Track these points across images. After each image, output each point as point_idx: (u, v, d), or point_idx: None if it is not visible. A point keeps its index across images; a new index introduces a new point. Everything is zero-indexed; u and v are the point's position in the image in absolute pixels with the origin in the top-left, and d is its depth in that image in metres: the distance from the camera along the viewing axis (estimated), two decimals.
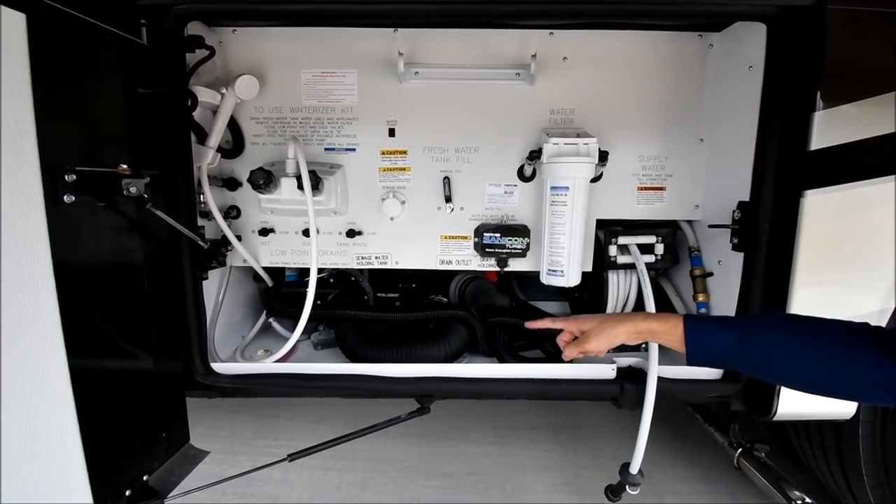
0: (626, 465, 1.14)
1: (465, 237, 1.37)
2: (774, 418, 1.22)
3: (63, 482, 0.84)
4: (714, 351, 0.86)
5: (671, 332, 0.90)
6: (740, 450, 1.46)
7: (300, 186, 1.18)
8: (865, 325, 0.79)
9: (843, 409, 1.23)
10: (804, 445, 1.44)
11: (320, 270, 1.52)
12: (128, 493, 0.99)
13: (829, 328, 0.80)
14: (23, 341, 0.75)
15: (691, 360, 0.88)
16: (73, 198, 0.83)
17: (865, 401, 0.75)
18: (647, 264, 1.34)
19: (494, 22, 1.20)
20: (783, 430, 1.51)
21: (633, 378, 1.22)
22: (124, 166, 0.90)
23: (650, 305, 1.25)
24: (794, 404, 1.20)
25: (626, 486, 1.14)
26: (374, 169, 1.33)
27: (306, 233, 1.36)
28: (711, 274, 1.32)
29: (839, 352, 0.76)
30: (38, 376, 0.78)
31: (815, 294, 1.15)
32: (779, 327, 0.82)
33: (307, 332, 1.49)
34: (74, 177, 0.83)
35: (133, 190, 0.90)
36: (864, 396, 0.77)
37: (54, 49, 0.81)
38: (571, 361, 1.13)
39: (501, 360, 1.41)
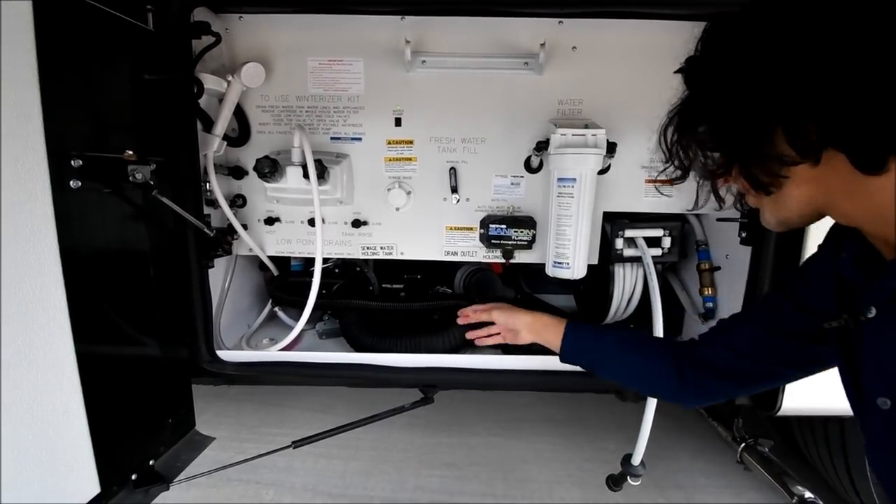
0: (628, 456, 1.14)
1: (471, 228, 1.36)
2: (779, 413, 1.22)
3: (69, 465, 0.85)
4: (577, 358, 1.03)
5: (554, 343, 1.06)
6: (744, 444, 1.45)
7: (306, 175, 1.18)
8: (666, 339, 0.97)
9: (849, 405, 1.22)
10: (808, 441, 1.44)
11: (326, 260, 1.52)
12: (134, 476, 1.01)
13: (639, 345, 0.98)
14: (30, 325, 0.76)
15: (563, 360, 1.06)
16: (80, 183, 0.83)
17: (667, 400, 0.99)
18: (653, 258, 1.32)
19: (502, 9, 1.18)
20: (787, 426, 1.50)
21: None
22: (130, 152, 0.90)
23: (656, 300, 1.24)
24: (799, 400, 1.20)
25: (628, 477, 1.15)
26: (380, 159, 1.32)
27: (312, 222, 1.35)
28: (719, 268, 1.31)
29: (645, 367, 0.94)
30: (46, 360, 0.79)
31: None
32: (610, 344, 1.00)
33: (312, 321, 1.49)
34: (81, 162, 0.83)
35: (139, 176, 0.90)
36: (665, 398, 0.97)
37: (60, 33, 0.81)
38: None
39: (506, 352, 1.41)
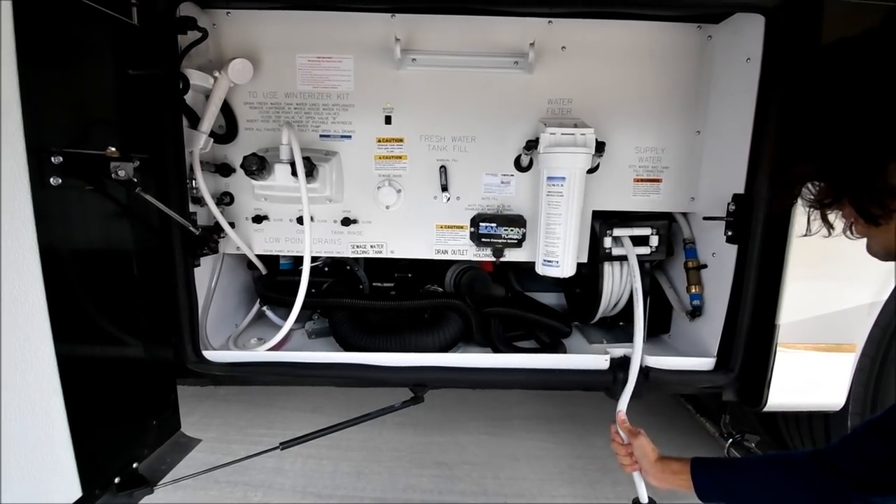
0: (636, 500, 1.09)
1: (462, 227, 1.36)
2: (765, 409, 1.23)
3: (50, 468, 0.83)
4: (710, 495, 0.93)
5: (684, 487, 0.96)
6: (731, 440, 1.47)
7: (294, 173, 1.17)
8: (811, 454, 0.84)
9: (833, 400, 1.25)
10: (794, 436, 1.46)
11: (315, 259, 1.51)
12: (117, 480, 0.99)
13: (777, 466, 0.87)
14: (7, 325, 0.74)
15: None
16: (60, 180, 0.81)
17: None
18: (641, 256, 1.34)
19: (493, 8, 1.19)
20: (773, 421, 1.52)
21: (625, 368, 1.22)
22: (113, 149, 0.88)
23: (638, 299, 1.25)
24: (785, 395, 1.22)
25: None
26: (370, 157, 1.31)
27: (301, 220, 1.34)
28: (705, 266, 1.32)
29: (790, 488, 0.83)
30: (24, 361, 0.77)
31: (807, 287, 1.16)
32: (744, 472, 0.90)
33: (301, 320, 1.48)
34: (61, 159, 0.81)
35: (122, 173, 0.88)
36: None
37: (41, 27, 0.79)
38: None
39: (496, 350, 1.41)
